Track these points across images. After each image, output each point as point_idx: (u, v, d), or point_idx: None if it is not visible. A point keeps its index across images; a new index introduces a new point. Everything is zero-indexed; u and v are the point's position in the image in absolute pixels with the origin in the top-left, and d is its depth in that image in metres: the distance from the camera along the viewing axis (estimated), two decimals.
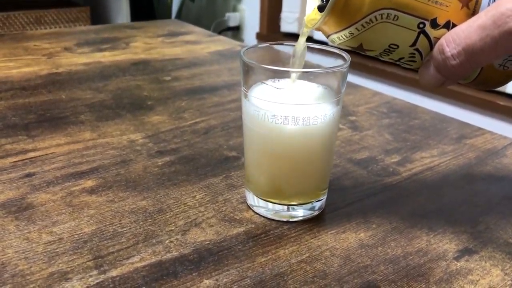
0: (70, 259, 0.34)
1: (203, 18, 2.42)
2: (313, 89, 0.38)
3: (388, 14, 0.30)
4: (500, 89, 1.42)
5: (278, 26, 2.10)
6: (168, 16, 2.22)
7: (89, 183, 0.44)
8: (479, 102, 1.45)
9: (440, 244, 0.37)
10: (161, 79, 0.72)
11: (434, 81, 0.32)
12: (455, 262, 0.35)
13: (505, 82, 0.35)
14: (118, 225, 0.38)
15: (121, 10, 2.17)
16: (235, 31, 2.30)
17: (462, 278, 0.34)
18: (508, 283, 0.33)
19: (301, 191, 0.39)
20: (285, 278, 0.33)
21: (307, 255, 0.35)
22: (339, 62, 0.37)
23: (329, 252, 0.36)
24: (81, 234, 0.37)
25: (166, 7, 2.26)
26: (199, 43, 0.94)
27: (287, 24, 2.06)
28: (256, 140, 0.38)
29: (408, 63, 0.34)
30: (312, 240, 0.37)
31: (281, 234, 0.38)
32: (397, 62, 0.34)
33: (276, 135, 0.36)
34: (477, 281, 0.33)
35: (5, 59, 0.78)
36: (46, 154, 0.48)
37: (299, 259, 0.35)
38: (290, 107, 0.35)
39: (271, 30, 2.12)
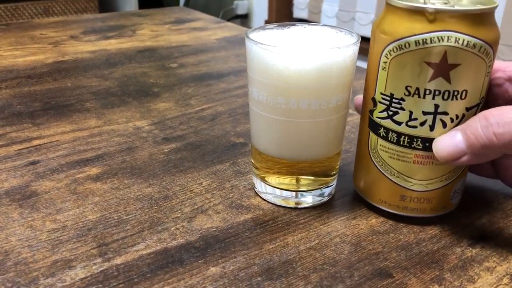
0: (74, 247, 0.33)
1: (211, 6, 2.40)
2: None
3: None
4: None
5: (289, 13, 2.07)
6: (176, 4, 2.21)
7: (94, 170, 0.43)
8: None
9: (454, 230, 0.36)
10: (167, 66, 0.71)
11: (454, 151, 0.32)
12: (470, 249, 0.34)
13: None
14: (123, 213, 0.37)
15: None
16: (244, 19, 2.28)
17: (478, 265, 0.32)
18: None
19: (314, 153, 0.37)
20: (294, 265, 0.32)
21: (316, 241, 0.34)
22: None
23: (339, 239, 0.35)
24: (86, 222, 0.36)
25: None
26: (206, 29, 0.92)
27: (299, 10, 2.03)
28: (266, 92, 0.35)
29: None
30: (321, 226, 0.36)
31: (289, 220, 0.37)
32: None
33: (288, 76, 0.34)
34: (494, 268, 0.32)
35: (11, 48, 0.78)
36: (51, 142, 0.47)
37: (308, 246, 0.34)
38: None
39: (279, 17, 2.10)
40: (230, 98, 0.59)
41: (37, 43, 0.81)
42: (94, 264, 0.32)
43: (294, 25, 0.39)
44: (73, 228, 0.35)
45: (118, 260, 0.32)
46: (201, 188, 0.41)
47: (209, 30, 0.92)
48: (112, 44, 0.81)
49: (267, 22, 2.13)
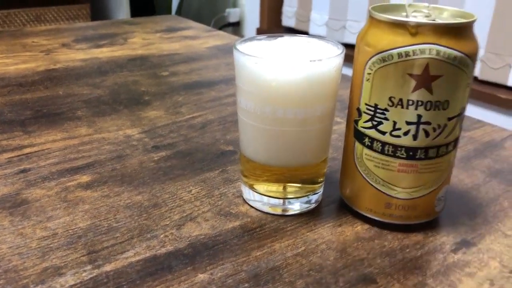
0: (64, 254, 0.34)
1: (203, 14, 2.41)
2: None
3: None
4: (501, 81, 1.41)
5: (280, 21, 2.09)
6: (168, 12, 2.22)
7: (84, 178, 0.43)
8: (481, 96, 1.44)
9: (437, 236, 0.37)
10: (159, 74, 0.72)
11: None
12: (453, 255, 0.35)
13: None
14: (113, 220, 0.38)
15: (121, 7, 2.16)
16: (236, 27, 2.29)
17: (459, 271, 0.33)
18: (506, 275, 0.33)
19: (301, 160, 0.38)
20: (280, 271, 0.33)
21: (303, 248, 0.35)
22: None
23: (325, 245, 0.35)
24: (76, 229, 0.36)
25: (166, 3, 2.26)
26: (197, 38, 0.93)
27: (287, 18, 2.05)
28: (253, 101, 0.36)
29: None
30: (308, 233, 0.37)
31: (277, 227, 0.37)
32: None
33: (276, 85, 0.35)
34: (475, 273, 0.33)
35: (2, 56, 0.78)
36: (42, 150, 0.48)
37: (294, 252, 0.35)
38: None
39: (271, 25, 2.11)
40: (220, 106, 0.60)
41: (28, 51, 0.81)
42: (84, 271, 0.32)
43: (281, 36, 0.40)
44: (63, 235, 0.36)
45: (108, 267, 0.33)
46: (190, 195, 0.41)
47: (200, 38, 0.93)
48: (104, 52, 0.82)
49: (258, 30, 2.14)
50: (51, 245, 0.35)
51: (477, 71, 1.45)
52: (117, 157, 0.47)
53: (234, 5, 2.27)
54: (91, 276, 0.32)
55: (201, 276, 0.32)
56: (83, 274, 0.32)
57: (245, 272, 0.33)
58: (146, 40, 0.90)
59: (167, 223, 0.38)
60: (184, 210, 0.39)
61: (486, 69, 1.43)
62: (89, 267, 0.33)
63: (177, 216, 0.38)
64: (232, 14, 2.24)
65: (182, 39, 0.92)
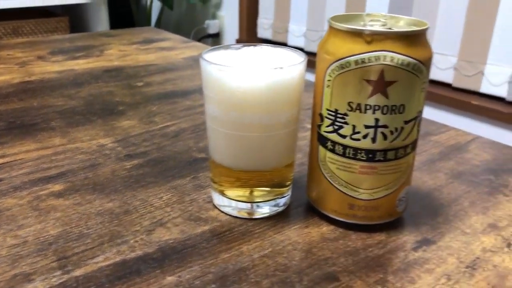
0: (34, 261, 0.34)
1: (183, 25, 2.43)
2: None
3: None
4: (474, 88, 1.45)
5: (257, 33, 2.11)
6: (147, 24, 2.23)
7: (56, 187, 0.44)
8: (455, 103, 1.48)
9: (400, 235, 0.38)
10: (133, 84, 0.73)
11: None
12: (413, 253, 0.36)
13: None
14: (84, 227, 0.38)
15: (100, 19, 2.17)
16: (215, 38, 2.31)
17: (419, 267, 0.35)
18: (462, 270, 0.35)
19: (267, 164, 0.39)
20: (247, 272, 0.34)
21: (269, 249, 0.36)
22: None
23: (291, 246, 0.37)
24: (47, 236, 0.37)
25: (145, 15, 2.27)
26: (174, 49, 0.95)
27: (263, 30, 2.08)
28: (220, 108, 0.37)
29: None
30: (275, 235, 0.38)
31: (245, 231, 0.38)
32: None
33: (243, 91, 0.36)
34: (433, 269, 0.35)
35: None
36: (15, 160, 0.48)
37: (261, 254, 0.36)
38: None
39: (250, 36, 2.14)
40: (194, 115, 0.61)
41: (3, 63, 0.82)
42: (54, 276, 0.33)
43: (248, 45, 0.41)
44: (33, 243, 0.36)
45: (78, 272, 0.33)
46: (161, 202, 0.42)
47: (176, 49, 0.94)
48: (80, 64, 0.82)
49: (238, 41, 2.16)
50: (21, 253, 0.35)
51: (451, 79, 1.49)
52: (90, 166, 0.48)
53: (214, 17, 2.29)
54: (61, 281, 0.32)
55: (169, 279, 0.33)
56: (53, 280, 0.32)
57: (212, 274, 0.33)
58: (122, 51, 0.91)
59: (138, 228, 0.38)
60: (154, 216, 0.40)
61: (459, 77, 1.47)
62: (58, 272, 0.33)
63: (148, 222, 0.39)
64: (212, 26, 2.26)
65: (158, 50, 0.93)
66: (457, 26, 1.44)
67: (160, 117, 0.60)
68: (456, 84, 1.49)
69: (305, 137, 0.53)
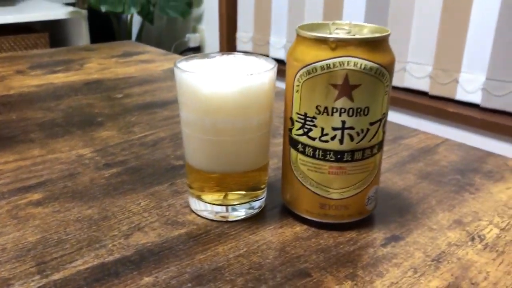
0: (13, 266, 0.35)
1: (164, 39, 2.44)
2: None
3: None
4: (449, 96, 1.49)
5: (235, 46, 2.14)
6: (128, 39, 2.24)
7: (35, 196, 0.45)
8: (431, 110, 1.51)
9: (369, 233, 0.40)
10: (113, 96, 0.74)
11: None
12: (382, 248, 0.38)
13: None
14: (63, 233, 0.39)
15: (80, 35, 2.17)
16: (196, 52, 2.33)
17: (387, 262, 0.36)
18: (429, 263, 0.36)
19: (241, 166, 0.40)
20: (222, 271, 0.35)
21: (244, 249, 0.37)
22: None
23: (265, 246, 0.38)
24: (25, 243, 0.38)
25: (126, 30, 2.28)
26: (153, 61, 0.96)
27: (242, 43, 2.10)
28: (194, 114, 0.39)
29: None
30: (250, 236, 0.39)
31: (221, 233, 0.40)
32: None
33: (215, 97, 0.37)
34: (401, 263, 0.36)
35: None
36: None
37: (236, 253, 0.37)
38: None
39: (231, 49, 2.16)
40: (172, 125, 0.62)
41: None
42: (33, 281, 0.33)
43: (222, 54, 0.42)
44: (12, 249, 0.37)
45: (56, 276, 0.34)
46: (139, 208, 0.43)
47: (156, 62, 0.96)
48: (59, 78, 0.83)
49: None
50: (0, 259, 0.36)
51: (427, 87, 1.53)
52: (69, 175, 0.48)
53: (194, 30, 2.31)
54: (39, 285, 0.33)
55: (147, 279, 0.34)
56: (31, 284, 0.33)
57: (188, 274, 0.35)
58: (101, 65, 0.92)
59: (116, 233, 0.39)
60: (132, 221, 0.41)
61: (435, 85, 1.51)
62: (37, 277, 0.34)
63: (126, 227, 0.40)
64: (192, 39, 2.28)
65: (138, 63, 0.94)
66: (431, 36, 1.48)
67: (139, 127, 0.61)
68: (432, 92, 1.52)
69: (280, 143, 0.55)
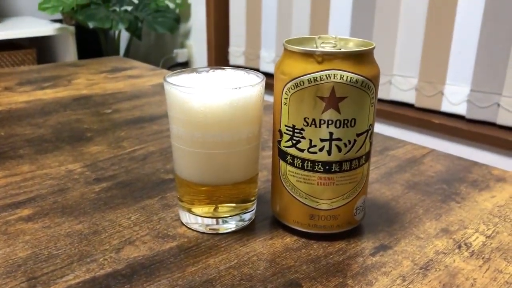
0: (3, 282, 0.35)
1: (152, 55, 2.45)
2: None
3: None
4: (435, 107, 1.51)
5: (227, 60, 2.16)
6: (116, 55, 2.24)
7: (25, 212, 0.44)
8: (417, 122, 1.54)
9: (358, 243, 0.40)
10: (102, 112, 0.74)
11: None
12: (371, 258, 0.38)
13: None
14: (53, 248, 0.39)
15: (68, 51, 2.17)
16: (184, 67, 2.34)
17: (376, 271, 0.37)
18: (417, 271, 0.37)
19: (231, 178, 0.41)
20: (214, 283, 0.35)
21: (235, 261, 0.38)
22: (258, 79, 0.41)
23: (256, 257, 0.38)
24: (16, 259, 0.38)
25: (113, 46, 2.29)
26: (141, 77, 0.96)
27: (235, 57, 2.12)
28: (184, 128, 0.39)
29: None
30: (241, 248, 0.40)
31: (212, 245, 0.40)
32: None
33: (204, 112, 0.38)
34: (389, 272, 0.37)
35: None
36: None
37: (227, 265, 0.37)
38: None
39: (219, 64, 2.18)
40: (162, 139, 0.63)
41: None
42: None
43: (210, 69, 0.43)
44: (2, 265, 0.37)
45: None
46: (130, 222, 0.43)
47: (144, 77, 0.96)
48: (48, 94, 0.83)
49: None
50: None
51: (413, 99, 1.55)
52: (59, 191, 0.48)
53: (182, 46, 2.32)
54: None
55: None
56: None
57: (180, 286, 0.35)
58: (90, 80, 0.92)
59: (107, 247, 0.39)
60: (123, 235, 0.41)
61: (421, 97, 1.53)
62: None
63: (116, 241, 0.40)
64: (180, 55, 2.29)
65: (126, 78, 0.95)
66: (416, 49, 1.51)
67: (128, 141, 0.62)
68: (418, 104, 1.55)
69: (269, 155, 0.55)
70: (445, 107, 1.51)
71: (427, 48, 1.49)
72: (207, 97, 0.38)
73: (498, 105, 1.37)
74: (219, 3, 2.11)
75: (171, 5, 2.22)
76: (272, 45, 1.95)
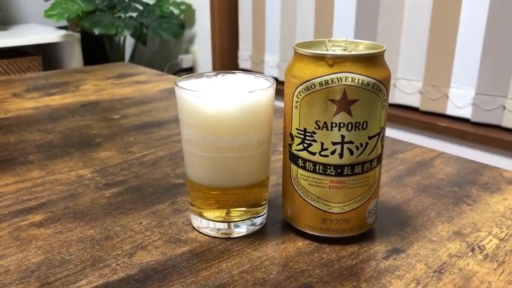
0: None
1: (156, 61, 2.46)
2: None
3: None
4: (440, 111, 1.51)
5: (232, 65, 2.16)
6: (121, 61, 2.25)
7: (37, 217, 0.45)
8: (422, 125, 1.53)
9: (371, 246, 0.40)
10: (110, 117, 0.74)
11: None
12: (384, 261, 0.38)
13: None
14: (66, 254, 0.39)
15: (73, 57, 2.18)
16: (189, 72, 2.35)
17: (390, 274, 0.37)
18: (431, 274, 0.37)
19: (241, 182, 0.41)
20: (227, 287, 0.35)
21: (248, 266, 0.38)
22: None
23: (268, 262, 0.38)
24: (29, 265, 0.38)
25: (119, 51, 2.30)
26: (148, 82, 0.97)
27: (243, 61, 2.13)
28: (196, 132, 0.39)
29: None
30: (253, 252, 0.39)
31: (224, 249, 0.40)
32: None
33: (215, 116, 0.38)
34: (403, 275, 0.37)
35: None
36: None
37: (240, 270, 0.37)
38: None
39: (223, 69, 2.18)
40: (171, 144, 0.63)
41: None
42: None
43: (219, 73, 0.43)
44: (16, 271, 0.37)
45: None
46: (141, 227, 0.43)
47: (151, 82, 0.96)
48: (56, 100, 0.83)
49: None
50: (3, 281, 0.36)
51: (418, 103, 1.55)
52: (70, 196, 0.49)
53: (187, 51, 2.33)
54: None
55: None
56: None
57: None
58: (97, 86, 0.93)
59: (119, 252, 0.39)
60: (135, 240, 0.41)
61: (425, 100, 1.53)
62: None
63: (129, 246, 0.40)
64: (185, 60, 2.30)
65: (133, 84, 0.95)
66: (420, 52, 1.51)
67: (137, 147, 0.62)
68: (423, 107, 1.54)
69: (279, 159, 0.55)
70: (450, 110, 1.50)
71: (431, 51, 1.49)
72: (218, 101, 0.38)
73: (504, 107, 1.36)
74: (223, 9, 2.11)
75: (176, 11, 2.23)
76: (276, 49, 1.96)
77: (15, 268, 0.37)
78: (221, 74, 0.43)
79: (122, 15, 2.16)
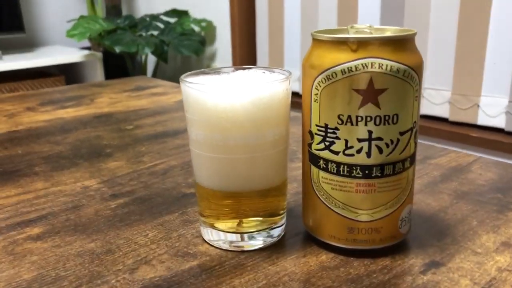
0: None
1: (178, 77, 2.45)
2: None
3: None
4: (471, 121, 1.44)
5: None
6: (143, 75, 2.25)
7: (35, 230, 0.41)
8: (452, 136, 1.46)
9: (405, 259, 0.35)
10: (123, 128, 0.71)
11: None
12: (422, 276, 0.33)
13: None
14: (61, 269, 0.35)
15: (96, 77, 2.19)
16: None
17: None
18: None
19: (255, 186, 0.36)
20: None
21: (264, 282, 0.33)
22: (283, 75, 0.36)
23: (287, 277, 0.33)
24: (20, 281, 0.34)
25: (140, 69, 2.30)
26: (165, 94, 0.94)
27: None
28: (203, 130, 0.35)
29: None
30: (270, 267, 0.35)
31: (237, 264, 0.35)
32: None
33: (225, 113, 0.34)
34: None
35: None
36: None
37: (255, 286, 0.32)
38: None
39: None
40: (184, 153, 0.59)
41: None
42: None
43: (231, 68, 0.39)
44: None
45: None
46: (147, 239, 0.39)
47: (168, 94, 0.93)
48: (69, 113, 0.81)
49: None
50: None
51: (447, 113, 1.49)
52: (72, 208, 0.45)
53: (208, 67, 2.32)
54: None
55: None
56: None
57: None
58: (113, 99, 0.90)
59: (120, 268, 0.35)
60: (139, 254, 0.37)
61: (455, 110, 1.46)
62: None
63: (131, 261, 0.36)
64: None
65: (150, 96, 0.92)
66: (448, 60, 1.45)
67: (149, 156, 0.58)
68: (452, 118, 1.48)
69: (299, 167, 0.51)
70: (482, 120, 1.43)
71: (460, 59, 1.42)
72: (227, 95, 0.34)
73: None
74: (243, 26, 2.10)
75: (197, 28, 2.23)
76: (296, 63, 1.92)
77: (4, 285, 0.33)
78: (233, 70, 0.39)
79: (143, 33, 2.17)
